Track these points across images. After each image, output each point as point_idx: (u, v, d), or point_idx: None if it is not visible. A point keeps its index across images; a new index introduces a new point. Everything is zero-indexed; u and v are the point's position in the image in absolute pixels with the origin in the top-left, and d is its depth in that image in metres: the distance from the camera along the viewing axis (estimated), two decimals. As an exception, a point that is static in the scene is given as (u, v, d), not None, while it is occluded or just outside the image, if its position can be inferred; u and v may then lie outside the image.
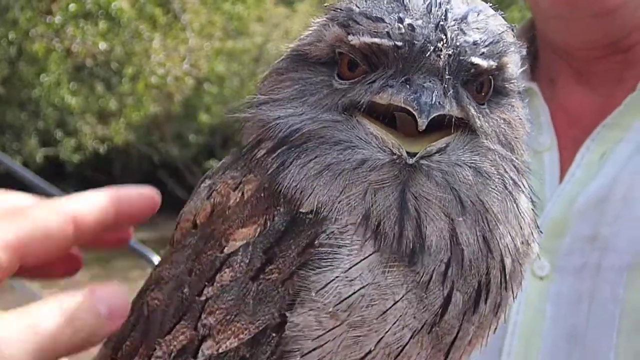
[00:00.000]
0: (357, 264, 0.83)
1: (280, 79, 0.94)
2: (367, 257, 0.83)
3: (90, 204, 0.94)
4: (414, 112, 0.82)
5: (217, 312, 0.86)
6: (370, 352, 0.83)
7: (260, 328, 0.84)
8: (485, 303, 0.88)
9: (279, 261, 0.84)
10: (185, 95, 19.46)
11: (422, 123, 0.81)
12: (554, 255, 1.47)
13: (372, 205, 0.85)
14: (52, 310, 0.83)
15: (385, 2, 0.88)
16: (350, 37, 0.87)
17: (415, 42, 0.84)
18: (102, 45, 16.69)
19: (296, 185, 0.86)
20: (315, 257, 0.83)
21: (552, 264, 1.47)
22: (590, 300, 1.42)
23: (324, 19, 0.93)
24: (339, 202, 0.85)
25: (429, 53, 0.84)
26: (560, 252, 1.47)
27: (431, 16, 0.86)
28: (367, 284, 0.82)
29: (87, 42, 16.46)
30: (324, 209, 0.85)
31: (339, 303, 0.82)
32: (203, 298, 0.88)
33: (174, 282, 0.92)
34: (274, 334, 0.84)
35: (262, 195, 0.88)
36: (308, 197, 0.86)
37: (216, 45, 19.84)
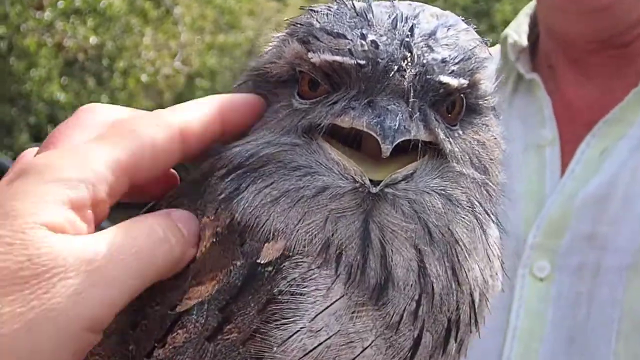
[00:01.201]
0: (322, 311, 0.77)
1: None
2: (334, 302, 0.77)
3: (196, 115, 0.87)
4: (377, 137, 0.77)
5: None
6: None
7: None
8: (455, 341, 0.84)
9: (237, 320, 0.77)
10: (176, 92, 19.40)
11: (386, 149, 0.76)
12: (553, 255, 1.45)
13: (332, 235, 0.79)
14: (148, 232, 0.78)
15: (347, 16, 0.83)
16: (310, 55, 0.82)
17: (379, 60, 0.79)
18: (93, 40, 16.62)
19: (251, 212, 0.81)
20: (276, 309, 0.77)
21: (552, 264, 1.45)
22: (589, 302, 1.40)
23: (284, 34, 0.88)
24: (297, 231, 0.79)
25: (392, 72, 0.79)
26: (559, 252, 1.45)
27: (396, 32, 0.81)
28: (333, 334, 0.77)
29: (78, 36, 16.39)
30: (280, 237, 0.79)
31: (303, 357, 0.76)
32: None
33: (116, 336, 0.83)
34: None
35: (220, 243, 0.81)
36: (263, 225, 0.80)
37: (208, 40, 19.79)
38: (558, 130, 1.58)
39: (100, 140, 0.81)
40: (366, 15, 0.82)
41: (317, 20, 0.83)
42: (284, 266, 0.77)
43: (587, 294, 1.41)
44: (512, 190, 1.53)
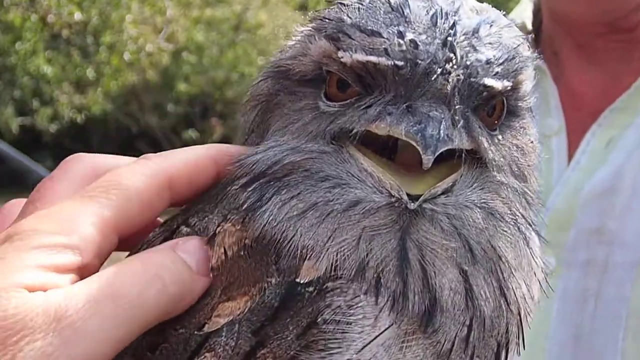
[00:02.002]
0: (371, 342, 0.70)
1: (260, 112, 0.82)
2: (382, 332, 0.71)
3: (187, 160, 0.82)
4: (417, 147, 0.70)
5: None
6: None
7: None
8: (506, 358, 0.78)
9: (273, 344, 0.70)
10: (163, 66, 19.35)
11: (428, 160, 0.70)
12: (559, 250, 1.41)
13: (367, 255, 0.72)
14: (135, 273, 0.72)
15: (382, 11, 0.75)
16: (340, 54, 0.75)
17: (419, 61, 0.72)
18: (78, 16, 16.50)
19: (276, 226, 0.74)
20: (319, 338, 0.70)
21: (558, 259, 1.40)
22: (596, 299, 1.36)
23: (309, 29, 0.80)
24: (327, 250, 0.72)
25: (435, 76, 0.72)
26: (565, 246, 1.41)
27: (437, 30, 0.74)
28: None
29: (63, 12, 16.28)
30: (310, 255, 0.72)
31: None
32: None
33: (130, 357, 0.76)
34: None
35: (250, 255, 0.74)
36: (290, 241, 0.73)
37: (195, 14, 19.70)
38: (564, 120, 1.53)
39: (86, 198, 0.76)
40: (403, 11, 0.75)
41: (347, 15, 0.76)
42: (328, 291, 0.71)
43: (595, 290, 1.37)
44: None
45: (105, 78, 18.23)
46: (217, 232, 0.76)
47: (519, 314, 0.78)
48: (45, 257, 0.70)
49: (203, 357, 0.71)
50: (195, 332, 0.73)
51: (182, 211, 0.84)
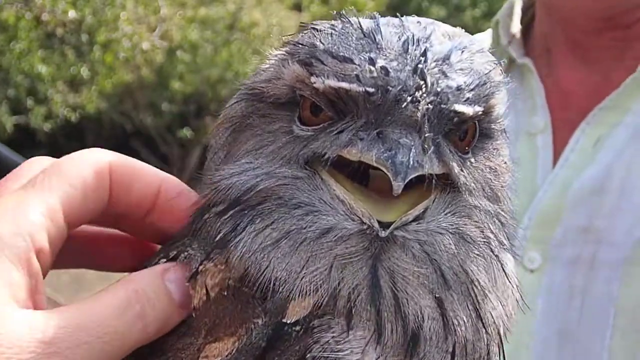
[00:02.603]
0: None
1: (232, 133, 0.82)
2: None
3: (126, 158, 0.85)
4: (387, 174, 0.71)
5: None
6: None
7: None
8: None
9: None
10: (157, 64, 19.30)
11: (398, 187, 0.70)
12: (545, 246, 1.42)
13: (338, 284, 0.73)
14: (118, 309, 0.73)
15: (354, 37, 0.76)
16: (313, 79, 0.75)
17: (390, 88, 0.72)
18: (72, 14, 16.46)
19: (250, 256, 0.74)
20: None
21: (544, 256, 1.42)
22: (583, 296, 1.37)
23: (283, 52, 0.81)
24: (300, 279, 0.73)
25: (405, 103, 0.72)
26: (551, 243, 1.42)
27: (408, 56, 0.74)
28: None
29: (57, 10, 16.23)
30: (283, 287, 0.73)
31: None
32: None
33: None
34: None
35: (234, 296, 0.74)
36: (263, 272, 0.73)
37: (189, 13, 19.66)
38: (550, 118, 1.54)
39: (31, 187, 0.78)
40: (374, 37, 0.76)
41: (320, 40, 0.77)
42: (315, 328, 0.72)
43: (582, 287, 1.38)
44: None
45: (100, 77, 18.17)
46: (199, 270, 0.76)
47: (499, 334, 0.79)
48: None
49: None
50: None
51: (163, 247, 0.85)
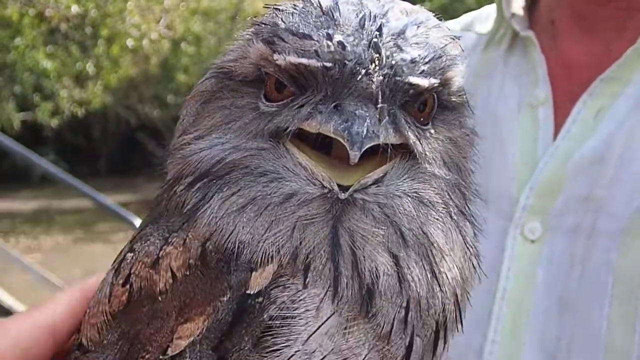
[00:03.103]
0: (315, 332, 0.75)
1: (203, 105, 0.85)
2: (325, 321, 0.75)
3: (65, 309, 0.93)
4: (344, 144, 0.74)
5: None
6: None
7: None
8: (444, 343, 0.83)
9: (233, 357, 0.74)
10: (162, 56, 19.34)
11: (354, 156, 0.74)
12: (545, 216, 1.43)
13: (300, 243, 0.77)
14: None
15: (313, 15, 0.79)
16: (275, 56, 0.78)
17: (346, 62, 0.76)
18: (75, 9, 16.50)
19: (216, 222, 0.78)
20: (268, 336, 0.74)
21: (544, 226, 1.43)
22: (583, 265, 1.38)
23: (249, 33, 0.84)
24: (263, 241, 0.77)
25: (360, 76, 0.76)
26: (552, 213, 1.43)
27: (364, 32, 0.77)
28: (328, 353, 0.75)
29: (60, 6, 16.27)
30: (247, 250, 0.76)
31: None
32: None
33: None
34: None
35: (199, 274, 0.77)
36: (229, 237, 0.77)
37: (192, 5, 19.70)
38: (552, 90, 1.55)
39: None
40: (333, 14, 0.79)
41: (282, 19, 0.80)
42: (272, 290, 0.75)
43: (581, 256, 1.39)
44: (506, 150, 1.53)
45: (105, 71, 18.24)
46: (160, 256, 0.79)
47: (455, 294, 0.82)
48: None
49: None
50: (160, 357, 0.76)
51: (131, 239, 0.88)
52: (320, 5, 0.79)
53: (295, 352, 0.74)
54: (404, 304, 0.77)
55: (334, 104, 0.76)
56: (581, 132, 1.45)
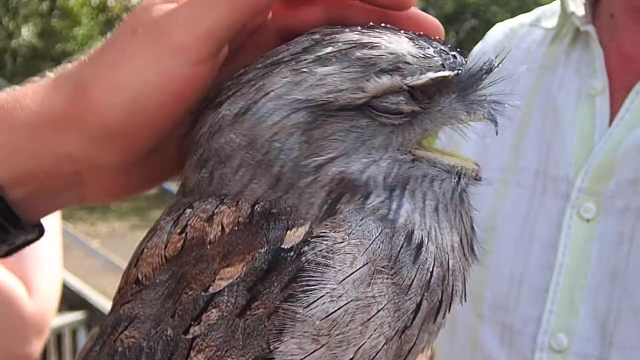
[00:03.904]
0: (344, 279, 0.82)
1: (308, 133, 0.87)
2: (356, 270, 0.82)
3: None
4: (492, 126, 0.88)
5: (207, 349, 0.86)
6: None
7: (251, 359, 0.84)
8: (445, 313, 0.90)
9: (263, 297, 0.83)
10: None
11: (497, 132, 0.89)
12: (599, 198, 1.54)
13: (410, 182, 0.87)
14: None
15: (413, 39, 0.87)
16: (408, 79, 0.84)
17: (461, 68, 0.88)
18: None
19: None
20: (304, 278, 0.82)
21: (598, 207, 1.54)
22: (630, 242, 1.49)
23: (348, 69, 0.86)
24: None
25: (480, 75, 0.89)
26: (605, 195, 1.54)
27: (437, 44, 0.89)
28: (351, 299, 0.82)
29: (122, -5, 16.55)
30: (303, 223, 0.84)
31: (325, 318, 0.81)
32: (190, 336, 0.86)
33: (151, 321, 0.90)
34: None
35: (244, 230, 0.86)
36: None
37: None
38: (609, 81, 1.64)
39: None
40: (418, 36, 0.88)
41: (389, 51, 0.86)
42: (311, 240, 0.83)
43: (629, 235, 1.50)
44: (565, 137, 1.64)
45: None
46: (214, 212, 0.89)
47: (463, 274, 0.92)
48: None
49: (210, 312, 0.86)
50: (202, 293, 0.86)
51: (187, 199, 0.96)
52: (406, 34, 0.88)
53: (325, 293, 0.81)
54: (431, 269, 0.86)
55: (470, 100, 0.89)
56: (633, 119, 1.56)
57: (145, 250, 0.94)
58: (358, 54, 0.86)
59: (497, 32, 1.97)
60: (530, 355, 1.56)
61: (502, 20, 2.00)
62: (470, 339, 1.71)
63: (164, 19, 0.88)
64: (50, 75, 0.95)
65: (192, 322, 0.86)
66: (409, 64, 0.85)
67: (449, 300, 0.89)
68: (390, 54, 0.85)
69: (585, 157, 1.59)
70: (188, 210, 0.91)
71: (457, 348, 1.75)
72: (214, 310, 0.85)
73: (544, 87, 1.72)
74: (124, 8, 16.97)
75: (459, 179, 0.89)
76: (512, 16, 2.08)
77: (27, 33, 17.13)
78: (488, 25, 2.25)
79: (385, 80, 0.85)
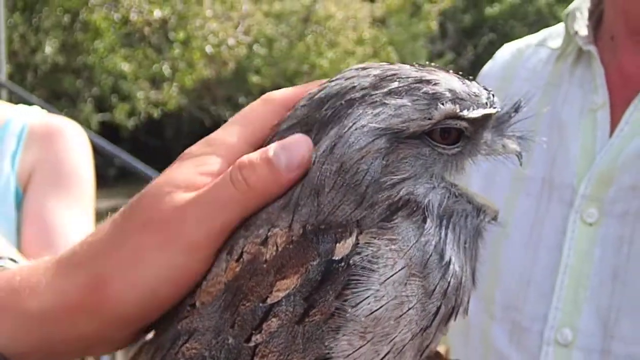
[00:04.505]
0: (386, 280, 0.92)
1: (387, 157, 0.97)
2: (396, 272, 0.92)
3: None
4: (520, 160, 1.04)
5: (270, 354, 0.93)
6: (385, 355, 0.93)
7: None
8: (455, 317, 1.00)
9: (320, 305, 0.91)
10: (240, 57, 19.50)
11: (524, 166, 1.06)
12: (601, 204, 1.67)
13: (440, 204, 0.98)
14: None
15: (463, 81, 1.00)
16: (465, 112, 0.97)
17: (497, 107, 1.01)
18: (157, 13, 16.87)
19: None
20: (352, 282, 0.91)
21: (600, 212, 1.68)
22: (630, 244, 1.63)
23: (419, 100, 0.98)
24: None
25: (513, 113, 1.03)
26: (606, 201, 1.67)
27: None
28: (391, 299, 0.92)
29: (143, 10, 16.67)
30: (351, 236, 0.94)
31: (369, 315, 0.91)
32: (252, 344, 0.93)
33: (211, 332, 0.97)
34: None
35: (295, 246, 0.94)
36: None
37: (264, 8, 19.91)
38: (609, 96, 1.76)
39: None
40: (464, 78, 1.00)
41: (449, 88, 0.98)
42: (359, 247, 0.92)
43: (629, 238, 1.63)
44: (569, 148, 1.77)
45: (180, 73, 18.60)
46: (268, 235, 0.97)
47: (470, 290, 1.03)
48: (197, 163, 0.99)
49: (270, 321, 0.92)
50: (260, 304, 0.94)
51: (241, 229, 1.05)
52: (459, 74, 1.02)
53: (370, 294, 0.91)
54: (450, 280, 0.97)
55: (508, 134, 1.03)
56: (632, 130, 1.70)
57: (204, 282, 1.00)
58: (425, 89, 0.98)
59: (506, 53, 2.09)
60: (537, 350, 1.69)
61: (520, 34, 2.12)
62: (482, 338, 1.83)
63: (175, 216, 0.96)
64: (57, 258, 1.02)
65: (253, 331, 0.93)
66: (463, 100, 0.97)
67: (458, 309, 1.00)
68: (450, 90, 0.97)
69: (587, 166, 1.72)
70: (241, 240, 0.99)
71: (471, 348, 1.87)
72: (274, 319, 0.93)
73: (550, 102, 1.86)
74: (145, 22, 17.15)
75: (483, 218, 1.02)
76: (530, 30, 2.22)
77: (50, 49, 17.27)
78: (506, 39, 2.37)
79: (448, 107, 0.96)
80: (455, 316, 1.00)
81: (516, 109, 1.04)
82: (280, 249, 0.95)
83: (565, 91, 1.85)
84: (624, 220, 1.65)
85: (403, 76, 1.00)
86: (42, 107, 2.33)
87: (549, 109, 1.84)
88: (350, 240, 0.93)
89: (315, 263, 0.92)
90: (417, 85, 0.98)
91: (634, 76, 1.78)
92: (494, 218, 1.03)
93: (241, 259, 0.97)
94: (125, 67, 17.47)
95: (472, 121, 0.99)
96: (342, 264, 0.92)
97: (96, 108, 19.04)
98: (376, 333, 0.92)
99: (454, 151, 1.00)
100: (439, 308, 0.96)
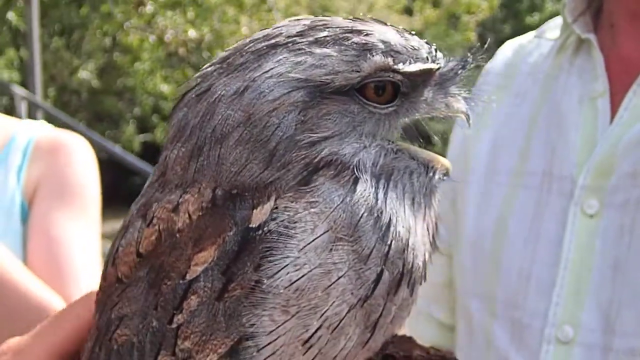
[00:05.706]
0: (305, 246, 0.85)
1: (304, 112, 0.89)
2: (317, 237, 0.86)
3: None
4: (466, 120, 0.98)
5: (192, 335, 0.88)
6: (316, 331, 0.87)
7: (236, 339, 0.86)
8: (408, 286, 0.92)
9: (238, 278, 0.85)
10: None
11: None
12: (601, 194, 1.63)
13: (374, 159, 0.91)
14: None
15: (401, 34, 0.93)
16: (400, 66, 0.90)
17: (439, 62, 0.95)
18: (192, 33, 17.03)
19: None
20: (267, 250, 0.85)
21: (601, 202, 1.63)
22: (631, 234, 1.57)
23: (347, 51, 0.90)
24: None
25: (459, 70, 0.97)
26: (607, 191, 1.62)
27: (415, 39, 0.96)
28: (315, 266, 0.85)
29: (178, 30, 16.85)
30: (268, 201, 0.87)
31: (289, 286, 0.84)
32: (174, 325, 0.89)
33: (138, 316, 0.93)
34: (249, 342, 0.86)
35: (210, 213, 0.89)
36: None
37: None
38: (609, 84, 1.73)
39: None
40: (404, 31, 0.94)
41: (383, 40, 0.91)
42: (275, 211, 0.86)
43: (629, 227, 1.58)
44: (568, 139, 1.73)
45: (219, 91, 18.61)
46: (179, 202, 0.91)
47: (424, 255, 0.95)
48: None
49: (190, 299, 0.87)
50: (180, 281, 0.88)
51: (156, 190, 1.00)
52: (398, 29, 0.95)
53: (289, 262, 0.84)
54: (390, 242, 0.89)
55: (453, 91, 0.98)
56: (631, 117, 1.65)
57: (120, 249, 0.97)
58: (354, 39, 0.90)
59: (507, 49, 2.06)
60: (537, 348, 1.64)
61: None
62: (485, 337, 1.79)
63: None
64: None
65: (175, 312, 0.89)
66: (399, 52, 0.91)
67: (409, 275, 0.91)
68: (383, 41, 0.90)
69: (587, 156, 1.67)
70: (155, 204, 0.95)
71: (474, 348, 1.83)
72: (193, 297, 0.88)
73: (550, 94, 1.81)
74: (181, 42, 17.33)
75: (433, 174, 0.95)
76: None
77: (87, 74, 17.54)
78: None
79: (378, 59, 0.89)
80: (409, 283, 0.92)
81: (463, 65, 0.97)
82: (194, 217, 0.89)
83: (564, 82, 1.81)
84: (625, 210, 1.60)
85: (333, 26, 0.92)
86: (82, 131, 2.35)
87: (548, 101, 1.79)
88: (268, 206, 0.86)
89: (232, 233, 0.86)
90: (347, 35, 0.91)
91: (634, 61, 1.73)
92: (446, 174, 0.96)
93: (155, 226, 0.92)
94: (165, 87, 17.63)
95: (409, 76, 0.92)
96: (260, 232, 0.85)
97: (138, 129, 19.25)
98: (301, 306, 0.85)
99: (387, 110, 0.92)
100: (379, 274, 0.88)
